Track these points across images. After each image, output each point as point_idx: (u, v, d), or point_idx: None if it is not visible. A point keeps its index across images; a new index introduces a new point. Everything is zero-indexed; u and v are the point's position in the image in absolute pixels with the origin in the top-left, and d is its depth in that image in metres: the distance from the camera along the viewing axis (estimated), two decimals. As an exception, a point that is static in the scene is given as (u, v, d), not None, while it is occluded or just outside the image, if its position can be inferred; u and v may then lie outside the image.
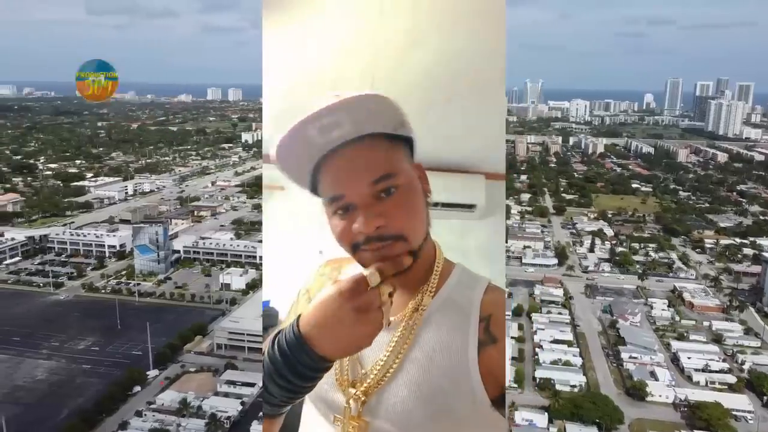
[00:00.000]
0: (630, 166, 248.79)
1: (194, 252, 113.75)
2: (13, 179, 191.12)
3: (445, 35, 9.05)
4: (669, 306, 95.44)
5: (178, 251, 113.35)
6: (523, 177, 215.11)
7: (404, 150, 5.44)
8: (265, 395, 4.91)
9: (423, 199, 5.46)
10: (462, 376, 5.20)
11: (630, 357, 76.74)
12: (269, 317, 10.16)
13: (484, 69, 8.19)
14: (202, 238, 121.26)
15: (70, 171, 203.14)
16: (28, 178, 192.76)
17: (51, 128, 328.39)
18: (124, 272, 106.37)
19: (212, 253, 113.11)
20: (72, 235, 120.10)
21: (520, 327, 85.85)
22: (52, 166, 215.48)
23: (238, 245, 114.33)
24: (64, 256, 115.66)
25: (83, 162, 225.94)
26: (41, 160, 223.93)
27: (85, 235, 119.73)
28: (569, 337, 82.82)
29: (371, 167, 5.18)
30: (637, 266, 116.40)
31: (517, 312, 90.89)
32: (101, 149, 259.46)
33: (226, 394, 65.99)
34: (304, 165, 5.26)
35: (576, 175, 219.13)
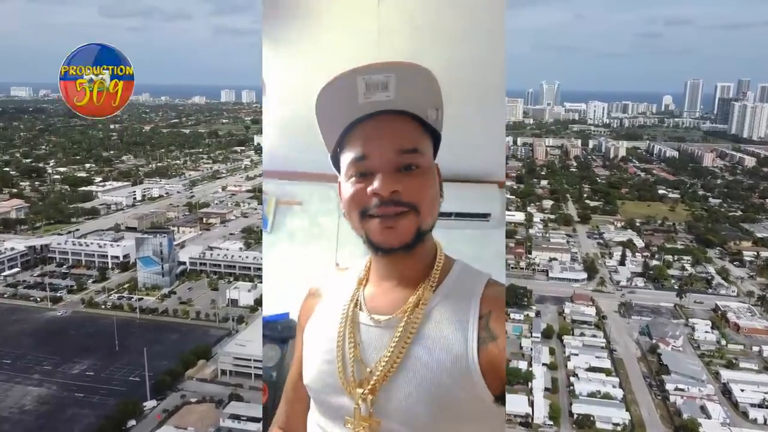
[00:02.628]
0: (654, 171, 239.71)
1: (201, 264, 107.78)
2: (21, 183, 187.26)
3: (444, 45, 8.79)
4: (712, 328, 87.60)
5: (184, 263, 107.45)
6: (543, 182, 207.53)
7: (430, 142, 5.48)
8: None
9: (438, 190, 5.43)
10: (463, 372, 5.06)
11: (676, 389, 69.26)
12: (288, 329, 9.94)
13: (484, 78, 7.98)
14: (210, 248, 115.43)
15: (78, 175, 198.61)
16: (36, 183, 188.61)
17: (64, 130, 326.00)
18: (126, 285, 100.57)
19: (220, 265, 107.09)
20: (74, 244, 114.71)
21: (552, 351, 78.67)
22: (62, 169, 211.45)
23: (246, 257, 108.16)
24: (65, 267, 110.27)
25: (93, 165, 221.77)
26: (51, 164, 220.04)
27: (87, 245, 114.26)
28: (606, 363, 75.41)
29: (401, 138, 5.22)
30: (673, 281, 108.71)
31: (547, 334, 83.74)
32: (112, 152, 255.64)
33: (230, 431, 59.63)
34: (341, 120, 5.28)
35: (599, 181, 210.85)
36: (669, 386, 69.86)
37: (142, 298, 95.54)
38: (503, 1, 6.27)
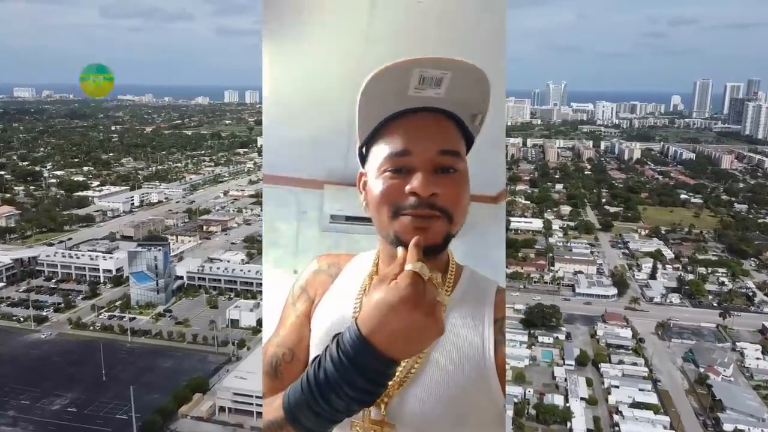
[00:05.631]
0: (671, 174, 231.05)
1: (199, 278, 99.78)
2: (16, 188, 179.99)
3: (443, 47, 6.96)
4: (763, 353, 79.17)
5: (181, 277, 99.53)
6: (558, 186, 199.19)
7: (465, 149, 5.21)
8: (320, 410, 4.23)
9: (469, 198, 5.17)
10: (481, 377, 5.04)
11: (735, 430, 60.95)
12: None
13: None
14: (210, 260, 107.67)
15: (75, 179, 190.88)
16: (31, 187, 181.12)
17: (64, 132, 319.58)
18: (118, 303, 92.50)
19: (220, 280, 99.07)
20: (64, 256, 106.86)
21: (589, 382, 70.34)
22: (59, 173, 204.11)
23: (249, 270, 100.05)
24: (53, 281, 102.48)
25: (91, 169, 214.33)
26: (48, 167, 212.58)
27: (78, 257, 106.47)
28: (652, 398, 67.04)
29: (443, 138, 5.00)
30: (710, 297, 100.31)
31: (582, 361, 75.41)
32: (111, 155, 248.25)
33: (228, 484, 51.76)
34: (385, 108, 4.96)
35: (616, 185, 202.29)
36: (727, 426, 61.59)
37: (134, 317, 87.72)
38: (504, 1, 5.98)
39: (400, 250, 4.50)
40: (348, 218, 16.66)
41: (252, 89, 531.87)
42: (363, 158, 5.27)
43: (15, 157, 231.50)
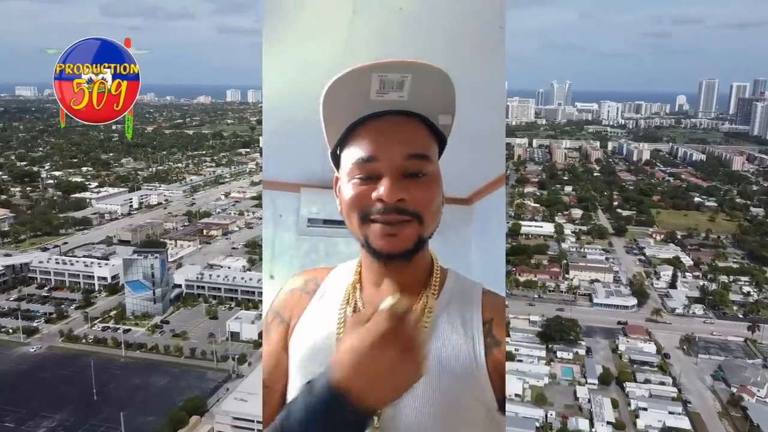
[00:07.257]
0: (682, 176, 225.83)
1: (198, 287, 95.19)
2: (12, 189, 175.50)
3: (445, 51, 7.63)
4: (797, 370, 74.49)
5: (180, 285, 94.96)
6: (567, 188, 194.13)
7: (437, 148, 5.13)
8: None
9: (442, 198, 5.12)
10: (473, 381, 4.93)
11: (777, 459, 56.31)
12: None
13: (483, 82, 7.19)
14: (210, 266, 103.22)
15: (73, 180, 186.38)
16: (28, 188, 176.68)
17: (63, 131, 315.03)
18: (113, 313, 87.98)
19: (220, 289, 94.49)
20: (57, 263, 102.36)
21: (614, 404, 65.56)
22: (57, 173, 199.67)
23: (250, 279, 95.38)
24: (46, 288, 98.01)
25: (90, 169, 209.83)
26: (46, 168, 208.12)
27: (72, 264, 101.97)
28: (684, 422, 62.16)
29: (410, 142, 4.92)
30: (735, 308, 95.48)
31: (605, 380, 70.64)
32: (111, 155, 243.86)
33: None
34: (348, 115, 4.91)
35: (626, 187, 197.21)
36: (767, 455, 56.89)
37: (130, 329, 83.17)
38: (503, 1, 5.91)
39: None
40: (326, 221, 15.85)
41: (254, 88, 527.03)
42: (336, 162, 5.07)
43: (13, 157, 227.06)
